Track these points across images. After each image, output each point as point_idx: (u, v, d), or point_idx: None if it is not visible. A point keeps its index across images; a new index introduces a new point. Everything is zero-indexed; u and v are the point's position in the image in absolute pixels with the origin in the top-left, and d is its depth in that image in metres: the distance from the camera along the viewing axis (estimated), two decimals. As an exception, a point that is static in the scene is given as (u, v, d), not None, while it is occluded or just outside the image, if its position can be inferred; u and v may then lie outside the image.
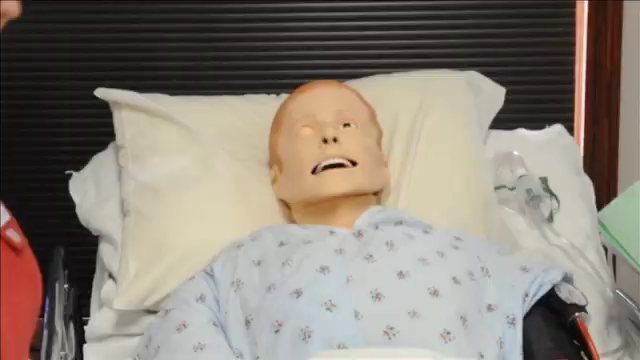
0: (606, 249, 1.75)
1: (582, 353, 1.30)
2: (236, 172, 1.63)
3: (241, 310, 1.33)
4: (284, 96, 1.76)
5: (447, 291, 1.29)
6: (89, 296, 1.70)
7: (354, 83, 1.76)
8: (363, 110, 1.60)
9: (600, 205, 1.84)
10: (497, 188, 1.74)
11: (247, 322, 1.31)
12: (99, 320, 1.56)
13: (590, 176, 1.88)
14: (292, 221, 1.57)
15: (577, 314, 1.31)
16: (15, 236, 0.96)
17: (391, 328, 1.22)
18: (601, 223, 1.50)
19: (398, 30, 2.27)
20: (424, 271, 1.32)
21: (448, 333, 1.23)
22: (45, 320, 1.46)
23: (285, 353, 1.23)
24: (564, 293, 1.35)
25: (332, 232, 1.43)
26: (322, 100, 1.55)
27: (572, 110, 2.32)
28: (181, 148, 1.64)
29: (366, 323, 1.23)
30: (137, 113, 1.68)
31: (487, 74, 1.88)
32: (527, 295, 1.35)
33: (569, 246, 1.67)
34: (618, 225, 1.40)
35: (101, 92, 1.70)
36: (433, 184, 1.63)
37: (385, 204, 1.61)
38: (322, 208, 1.49)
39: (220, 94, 1.85)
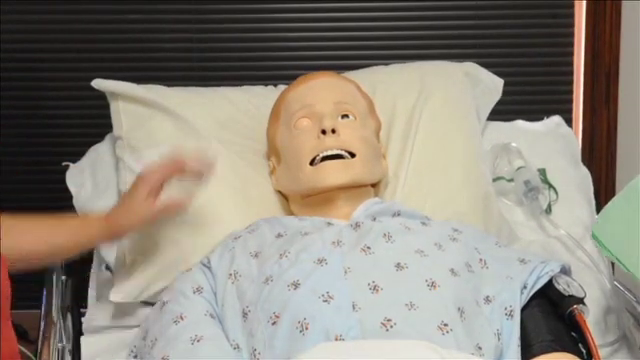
0: (604, 241, 1.75)
1: (580, 345, 1.30)
2: (233, 163, 1.62)
3: (238, 302, 1.33)
4: (281, 87, 1.76)
5: (445, 283, 1.29)
6: (87, 288, 1.70)
7: (352, 74, 1.75)
8: (362, 101, 1.60)
9: (598, 196, 1.84)
10: (495, 180, 1.74)
11: (244, 314, 1.31)
12: (96, 312, 1.56)
13: (588, 167, 1.88)
14: (290, 212, 1.57)
15: (575, 306, 1.31)
16: None
17: (388, 320, 1.22)
18: (595, 237, 1.48)
19: (397, 21, 2.27)
20: (422, 263, 1.32)
21: (445, 325, 1.23)
22: (42, 312, 1.46)
23: (282, 345, 1.23)
24: (562, 285, 1.35)
25: (329, 224, 1.43)
26: (321, 91, 1.55)
27: (571, 101, 2.32)
28: (177, 139, 1.64)
29: (364, 315, 1.23)
30: (134, 104, 1.68)
31: (485, 65, 1.88)
32: (525, 287, 1.35)
33: (567, 238, 1.67)
34: (611, 236, 1.38)
35: (98, 83, 1.69)
36: (431, 176, 1.62)
37: (383, 196, 1.61)
38: (320, 199, 1.48)
39: (217, 85, 1.85)
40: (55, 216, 1.42)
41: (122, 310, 1.55)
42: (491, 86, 1.85)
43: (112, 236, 1.45)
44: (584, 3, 2.26)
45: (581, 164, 1.86)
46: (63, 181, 1.73)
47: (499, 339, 1.29)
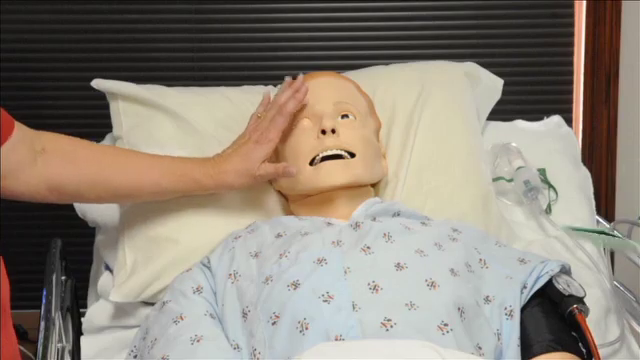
0: (604, 240, 1.75)
1: (580, 345, 1.30)
2: (233, 163, 1.62)
3: (238, 302, 1.33)
4: (281, 87, 1.75)
5: (445, 283, 1.29)
6: (87, 288, 1.70)
7: (352, 74, 1.75)
8: (362, 101, 1.60)
9: (598, 196, 1.84)
10: (495, 180, 1.73)
11: (244, 314, 1.31)
12: (96, 312, 1.56)
13: (588, 167, 1.88)
14: (290, 212, 1.57)
15: (575, 306, 1.31)
16: None
17: (388, 320, 1.21)
18: None
19: (397, 21, 2.27)
20: (422, 263, 1.32)
21: (445, 325, 1.23)
22: (42, 312, 1.46)
23: (282, 345, 1.23)
24: (562, 285, 1.35)
25: (329, 224, 1.43)
26: (321, 91, 1.55)
27: (570, 101, 2.32)
28: (178, 139, 1.64)
29: (363, 315, 1.23)
30: (134, 104, 1.68)
31: (485, 65, 1.87)
32: (525, 287, 1.35)
33: (567, 238, 1.67)
34: None
35: (98, 83, 1.69)
36: (431, 176, 1.62)
37: (383, 196, 1.61)
38: (320, 200, 1.48)
39: (217, 85, 1.85)
40: (167, 158, 1.49)
41: (122, 310, 1.55)
42: (491, 86, 1.85)
43: (221, 190, 1.51)
44: (584, 3, 2.26)
45: (581, 164, 1.86)
46: (63, 181, 1.72)
47: (499, 339, 1.29)
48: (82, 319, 1.59)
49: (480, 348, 1.25)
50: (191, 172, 1.47)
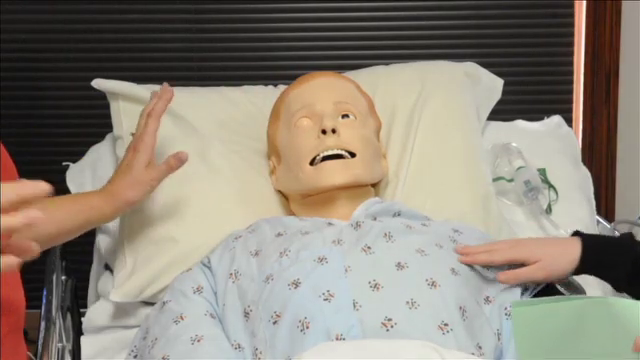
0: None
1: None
2: (233, 163, 1.63)
3: (239, 301, 1.33)
4: (281, 87, 1.76)
5: (445, 282, 1.29)
6: (87, 288, 1.70)
7: (353, 74, 1.75)
8: (362, 101, 1.60)
9: (598, 196, 1.84)
10: (495, 180, 1.73)
11: (246, 313, 1.31)
12: (96, 312, 1.56)
13: (588, 167, 1.88)
14: (290, 212, 1.57)
15: (575, 306, 1.31)
16: None
17: (389, 320, 1.21)
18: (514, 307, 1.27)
19: (397, 21, 2.27)
20: (422, 262, 1.32)
21: (446, 325, 1.23)
22: (42, 311, 1.46)
23: (283, 345, 1.23)
24: (563, 285, 1.35)
25: (330, 224, 1.43)
26: (321, 91, 1.55)
27: (571, 101, 2.32)
28: (178, 139, 1.63)
29: (364, 314, 1.23)
30: (134, 104, 1.68)
31: (485, 65, 1.88)
32: (527, 289, 1.35)
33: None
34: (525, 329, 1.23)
35: (98, 83, 1.69)
36: (431, 176, 1.62)
37: (383, 196, 1.61)
38: (320, 199, 1.48)
39: (217, 85, 1.85)
40: (60, 197, 1.39)
41: (122, 310, 1.55)
42: (491, 86, 1.85)
43: (122, 210, 1.45)
44: (584, 3, 2.26)
45: (581, 164, 1.86)
46: (63, 181, 1.72)
47: (499, 339, 1.29)
48: (82, 319, 1.59)
49: (480, 348, 1.25)
50: (97, 203, 1.41)
